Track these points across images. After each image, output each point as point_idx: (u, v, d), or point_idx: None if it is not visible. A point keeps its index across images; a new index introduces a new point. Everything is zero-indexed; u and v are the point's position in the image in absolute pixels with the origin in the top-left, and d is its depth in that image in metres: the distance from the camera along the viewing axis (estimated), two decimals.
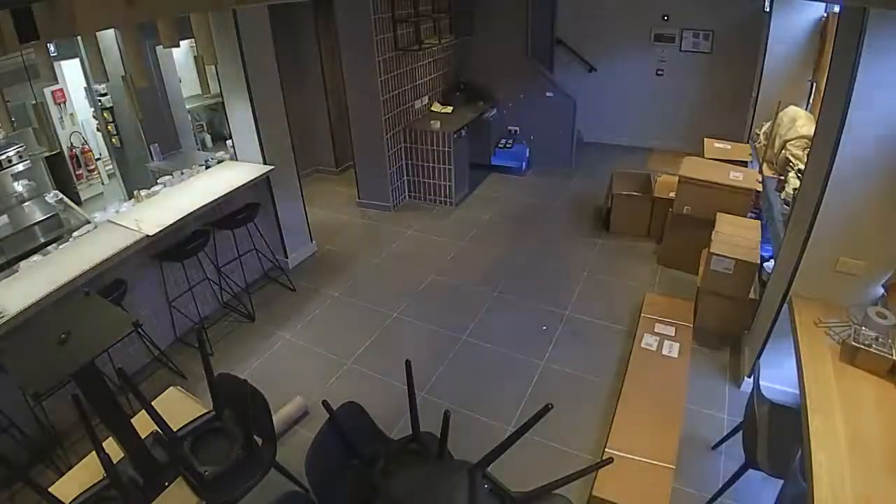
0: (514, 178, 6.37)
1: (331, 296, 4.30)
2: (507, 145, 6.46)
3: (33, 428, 2.79)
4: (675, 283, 4.22)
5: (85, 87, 5.09)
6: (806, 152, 3.70)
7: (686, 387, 3.11)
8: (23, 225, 4.14)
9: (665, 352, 3.31)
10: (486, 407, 3.14)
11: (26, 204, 4.24)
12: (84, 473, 2.12)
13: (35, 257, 3.06)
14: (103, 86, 5.07)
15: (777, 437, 2.36)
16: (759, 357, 3.04)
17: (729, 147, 4.75)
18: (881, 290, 2.61)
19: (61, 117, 5.19)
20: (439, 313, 4.01)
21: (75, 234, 3.31)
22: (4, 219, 4.04)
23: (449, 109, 5.92)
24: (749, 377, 3.16)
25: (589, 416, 3.08)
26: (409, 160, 5.76)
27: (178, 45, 2.55)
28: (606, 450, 2.70)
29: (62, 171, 5.22)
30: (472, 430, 2.94)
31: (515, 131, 6.58)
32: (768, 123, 4.74)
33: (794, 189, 3.53)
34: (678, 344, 3.37)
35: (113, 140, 5.13)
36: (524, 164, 6.43)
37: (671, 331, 3.49)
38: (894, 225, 2.44)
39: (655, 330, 3.50)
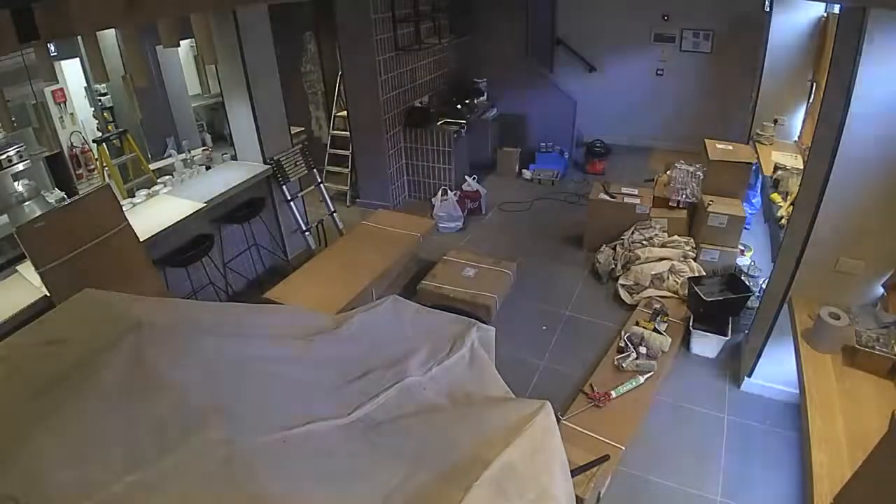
0: (513, 178, 6.36)
1: None
2: (549, 149, 6.42)
3: None
4: None
5: (85, 87, 5.08)
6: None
7: (662, 377, 3.15)
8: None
9: None
10: None
11: (26, 204, 4.24)
12: None
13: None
14: (103, 86, 5.07)
15: None
16: (759, 357, 3.05)
17: (731, 148, 4.75)
18: (881, 290, 2.61)
19: (61, 117, 5.18)
20: None
21: None
22: (4, 218, 4.03)
23: (448, 109, 5.92)
24: (749, 377, 3.16)
25: None
26: (409, 160, 5.76)
27: (178, 45, 2.55)
28: (562, 420, 2.74)
29: (62, 170, 5.22)
30: None
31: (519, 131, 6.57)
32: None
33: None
34: (668, 339, 3.38)
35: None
36: (564, 167, 6.37)
37: (662, 326, 3.49)
38: (894, 225, 2.44)
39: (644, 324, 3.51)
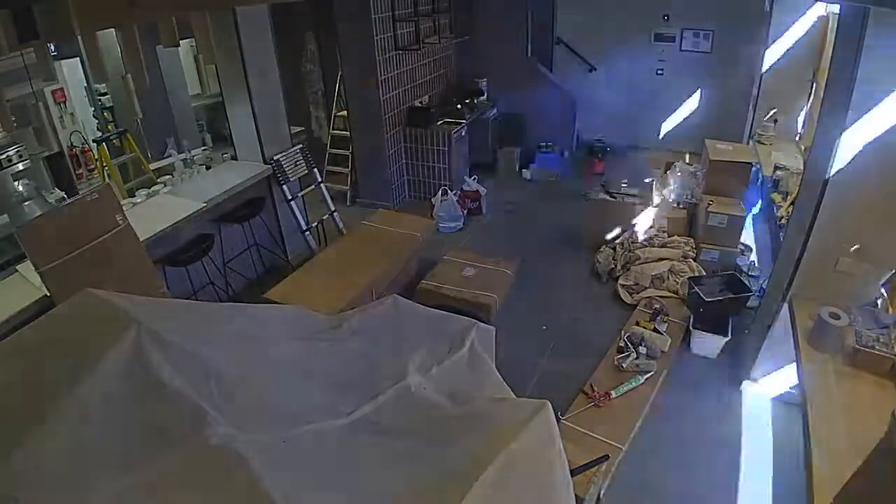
0: (513, 178, 6.36)
1: None
2: (549, 149, 6.38)
3: None
4: None
5: (85, 87, 5.08)
6: None
7: (662, 377, 3.16)
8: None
9: None
10: None
11: (27, 203, 4.24)
12: None
13: None
14: (103, 86, 5.07)
15: None
16: (759, 357, 3.05)
17: (731, 148, 4.75)
18: (881, 290, 2.61)
19: (61, 117, 5.18)
20: None
21: None
22: (4, 218, 4.03)
23: (448, 109, 5.92)
24: (749, 376, 3.16)
25: None
26: (409, 160, 5.76)
27: (178, 45, 2.55)
28: (562, 420, 2.79)
29: (62, 170, 5.22)
30: None
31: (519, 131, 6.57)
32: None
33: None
34: (668, 339, 3.38)
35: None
36: (564, 167, 6.33)
37: (662, 326, 3.49)
38: (894, 225, 2.44)
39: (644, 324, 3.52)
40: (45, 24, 1.86)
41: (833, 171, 2.42)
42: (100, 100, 5.14)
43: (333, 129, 5.95)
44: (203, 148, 4.93)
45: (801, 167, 4.25)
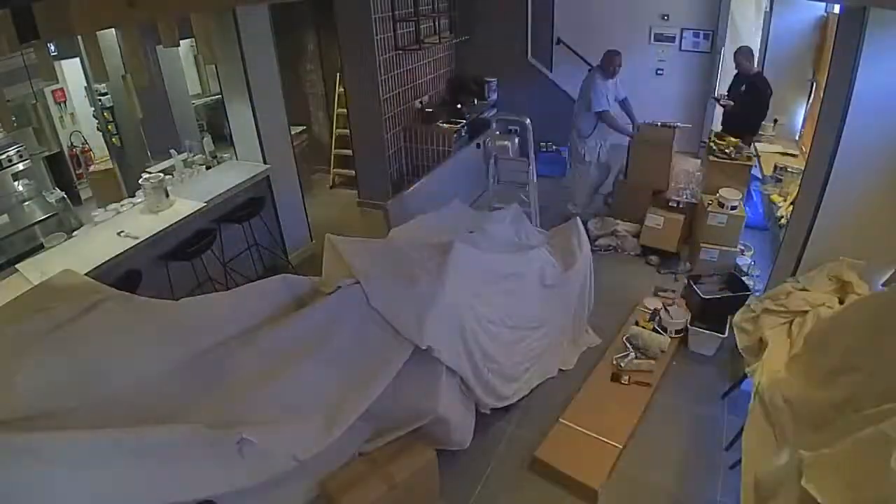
0: None
1: None
2: (549, 149, 6.32)
3: None
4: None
5: (85, 87, 5.08)
6: None
7: (657, 379, 3.16)
8: (23, 224, 4.14)
9: None
10: None
11: (27, 203, 4.24)
12: None
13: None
14: (103, 85, 5.07)
15: None
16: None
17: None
18: (881, 290, 2.61)
19: (61, 117, 5.18)
20: None
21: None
22: (5, 218, 4.04)
23: (448, 109, 5.92)
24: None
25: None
26: (409, 160, 5.75)
27: (178, 45, 2.56)
28: (560, 420, 2.82)
29: (62, 170, 5.23)
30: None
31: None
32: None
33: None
34: (667, 339, 3.38)
35: (113, 140, 5.12)
36: (564, 167, 6.26)
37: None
38: (894, 225, 2.45)
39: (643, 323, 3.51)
40: (45, 24, 1.86)
41: (833, 171, 2.42)
42: (100, 100, 5.14)
43: (338, 127, 5.93)
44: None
45: (801, 167, 4.25)
